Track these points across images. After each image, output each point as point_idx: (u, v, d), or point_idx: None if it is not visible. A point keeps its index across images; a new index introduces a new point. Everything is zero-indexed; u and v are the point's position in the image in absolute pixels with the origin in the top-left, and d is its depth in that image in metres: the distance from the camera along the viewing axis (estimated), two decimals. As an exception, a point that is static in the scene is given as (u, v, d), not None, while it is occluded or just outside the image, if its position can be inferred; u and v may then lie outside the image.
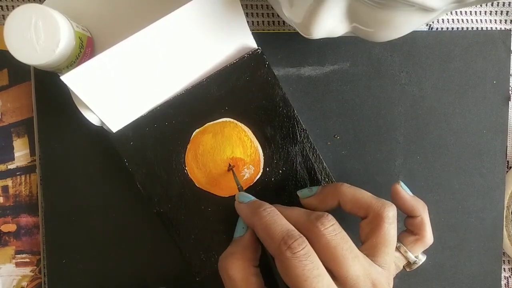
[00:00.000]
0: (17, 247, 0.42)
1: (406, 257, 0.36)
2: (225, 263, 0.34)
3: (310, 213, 0.33)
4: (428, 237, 0.37)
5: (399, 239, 0.37)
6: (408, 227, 0.38)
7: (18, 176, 0.42)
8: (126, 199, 0.41)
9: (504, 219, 0.43)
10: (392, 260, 0.34)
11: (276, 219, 0.32)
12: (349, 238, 0.32)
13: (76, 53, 0.35)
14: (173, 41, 0.38)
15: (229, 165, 0.39)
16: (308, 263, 0.30)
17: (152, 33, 0.37)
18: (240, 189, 0.39)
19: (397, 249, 0.36)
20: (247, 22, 0.38)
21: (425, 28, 0.43)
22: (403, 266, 0.37)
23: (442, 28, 0.44)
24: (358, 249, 0.32)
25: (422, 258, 0.37)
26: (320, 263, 0.30)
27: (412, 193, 0.38)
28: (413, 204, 0.37)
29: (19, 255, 0.42)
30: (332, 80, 0.42)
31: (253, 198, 0.36)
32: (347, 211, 0.36)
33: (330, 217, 0.32)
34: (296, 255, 0.30)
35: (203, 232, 0.40)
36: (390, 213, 0.34)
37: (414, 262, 0.37)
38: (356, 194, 0.35)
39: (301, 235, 0.31)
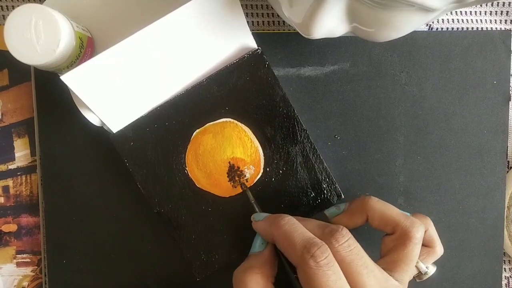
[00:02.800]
0: (18, 247, 0.42)
1: (417, 267, 0.36)
2: (243, 276, 0.33)
3: (325, 226, 0.33)
4: (439, 248, 0.37)
5: None
6: None
7: (19, 176, 0.42)
8: (127, 199, 0.41)
9: (505, 219, 0.43)
10: (408, 277, 0.34)
11: (296, 227, 0.32)
12: (364, 253, 0.32)
13: (76, 53, 0.35)
14: (173, 41, 0.38)
15: (242, 185, 0.40)
16: (331, 273, 0.29)
17: (152, 33, 0.37)
18: (254, 206, 0.39)
19: None
20: (247, 22, 0.38)
21: (425, 28, 0.43)
22: (414, 277, 0.36)
23: (442, 28, 0.44)
24: (376, 261, 0.32)
25: (433, 269, 0.37)
26: (342, 274, 0.30)
27: (412, 193, 0.38)
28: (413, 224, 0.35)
29: (20, 255, 0.42)
30: (332, 80, 0.42)
31: (267, 214, 0.36)
32: (374, 227, 0.36)
33: (345, 231, 0.32)
34: (319, 265, 0.29)
35: (204, 232, 0.40)
36: (419, 234, 0.34)
37: (425, 273, 0.36)
38: (385, 210, 0.35)
39: (323, 242, 0.30)
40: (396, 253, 0.33)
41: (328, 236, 0.31)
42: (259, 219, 0.36)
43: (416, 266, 0.36)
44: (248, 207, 0.39)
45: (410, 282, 0.34)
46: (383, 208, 0.35)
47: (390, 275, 0.32)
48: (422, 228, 0.34)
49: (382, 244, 0.35)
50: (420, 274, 0.36)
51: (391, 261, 0.33)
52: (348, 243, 0.31)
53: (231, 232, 0.40)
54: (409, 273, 0.33)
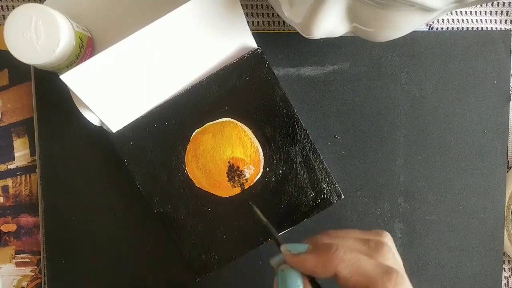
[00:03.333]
0: (17, 247, 0.42)
1: None
2: None
3: (377, 264, 0.29)
4: None
5: None
6: None
7: (18, 176, 0.42)
8: (126, 199, 0.41)
9: (505, 219, 0.43)
10: None
11: (360, 256, 0.29)
12: None
13: (76, 53, 0.35)
14: (173, 41, 0.38)
15: (263, 223, 0.35)
16: None
17: (152, 32, 0.37)
18: (276, 237, 0.33)
19: None
20: (247, 22, 0.38)
21: (425, 28, 0.43)
22: None
23: (442, 28, 0.44)
24: None
25: None
26: None
27: (412, 193, 0.38)
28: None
29: (19, 255, 0.42)
30: (332, 80, 0.42)
31: (306, 244, 0.31)
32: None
33: (400, 274, 0.28)
34: None
35: (203, 232, 0.40)
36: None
37: None
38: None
39: (396, 269, 0.28)
40: None
41: (384, 278, 0.28)
42: (299, 250, 0.30)
43: None
44: (248, 207, 0.39)
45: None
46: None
47: None
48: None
49: None
50: None
51: None
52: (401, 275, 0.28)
53: (230, 232, 0.40)
54: None
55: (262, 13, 0.42)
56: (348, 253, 0.29)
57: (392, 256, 0.30)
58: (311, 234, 0.33)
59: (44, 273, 0.41)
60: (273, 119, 0.40)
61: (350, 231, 0.32)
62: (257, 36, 0.39)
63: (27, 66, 0.39)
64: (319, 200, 0.40)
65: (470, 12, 0.43)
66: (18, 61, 0.33)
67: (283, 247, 0.31)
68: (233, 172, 0.39)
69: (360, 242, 0.30)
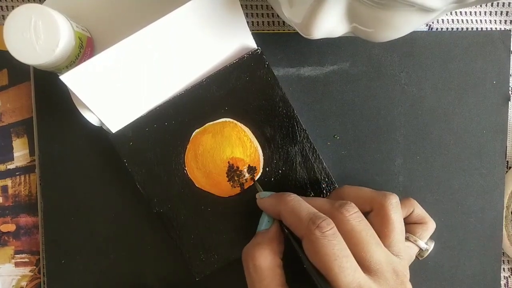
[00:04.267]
0: (17, 247, 0.42)
1: (417, 245, 0.37)
2: (252, 252, 0.34)
3: (333, 201, 0.34)
4: (431, 223, 0.38)
5: (406, 231, 0.37)
6: (409, 222, 0.39)
7: (18, 176, 0.42)
8: (126, 199, 0.41)
9: (504, 219, 0.43)
10: (405, 248, 0.35)
11: (301, 203, 0.34)
12: (371, 226, 0.33)
13: (75, 53, 0.35)
14: (173, 41, 0.38)
15: (253, 176, 0.40)
16: (336, 243, 0.30)
17: (152, 33, 0.37)
18: (258, 185, 0.40)
19: (407, 239, 0.37)
20: (247, 22, 0.38)
21: (425, 29, 0.43)
22: (416, 256, 0.38)
23: (442, 28, 0.44)
24: None
25: (431, 245, 0.38)
26: (346, 245, 0.31)
27: (411, 193, 0.38)
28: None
29: (18, 255, 0.42)
30: (332, 80, 0.42)
31: (273, 193, 0.37)
32: None
33: (353, 205, 0.33)
34: (325, 235, 0.30)
35: (203, 232, 0.40)
36: (393, 201, 0.35)
37: (426, 249, 0.37)
38: (358, 192, 0.37)
39: (326, 216, 0.32)
40: (383, 227, 0.34)
41: (339, 208, 0.33)
42: (265, 196, 0.37)
43: (415, 244, 0.37)
44: (247, 207, 0.39)
45: (412, 272, 0.34)
46: (355, 190, 0.37)
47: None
48: (394, 197, 0.35)
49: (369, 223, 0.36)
50: (421, 251, 0.37)
51: (382, 236, 0.34)
52: (358, 214, 0.33)
53: (230, 232, 0.40)
54: (403, 243, 0.34)
55: (262, 13, 0.42)
56: (295, 199, 0.34)
57: (350, 221, 0.32)
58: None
59: (43, 273, 0.41)
60: (272, 119, 0.40)
61: (357, 189, 0.37)
62: (256, 36, 0.39)
63: (26, 66, 0.39)
64: (318, 200, 0.40)
65: (470, 12, 0.43)
66: (18, 61, 0.33)
67: (257, 194, 0.38)
68: (233, 172, 0.40)
69: (327, 202, 0.34)
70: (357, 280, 0.30)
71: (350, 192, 0.37)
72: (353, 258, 0.31)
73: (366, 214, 0.35)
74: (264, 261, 0.33)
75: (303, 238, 0.32)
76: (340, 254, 0.30)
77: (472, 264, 0.43)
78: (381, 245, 0.32)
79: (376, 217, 0.35)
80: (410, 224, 0.39)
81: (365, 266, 0.31)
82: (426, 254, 0.38)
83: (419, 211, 0.38)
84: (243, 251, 0.35)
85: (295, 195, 0.35)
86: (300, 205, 0.33)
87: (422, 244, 0.37)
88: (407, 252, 0.35)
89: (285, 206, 0.34)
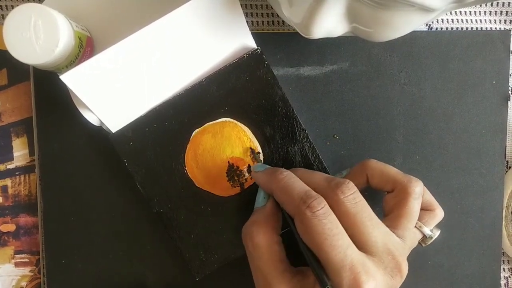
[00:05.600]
0: (16, 247, 0.42)
1: (421, 232, 0.37)
2: (250, 230, 0.34)
3: (331, 179, 0.33)
4: (439, 210, 0.38)
5: None
6: None
7: (17, 176, 0.42)
8: (126, 199, 0.41)
9: (503, 219, 0.43)
10: (411, 234, 0.35)
11: (294, 180, 0.33)
12: (369, 207, 0.32)
13: (75, 52, 0.35)
14: (173, 41, 0.38)
15: (250, 149, 0.39)
16: (327, 222, 0.30)
17: (152, 32, 0.37)
18: (256, 157, 0.39)
19: None
20: (247, 22, 0.38)
21: (425, 28, 0.43)
22: (419, 242, 0.37)
23: (441, 28, 0.44)
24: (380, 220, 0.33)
25: (437, 232, 0.37)
26: (339, 223, 0.31)
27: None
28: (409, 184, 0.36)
29: (18, 255, 0.42)
30: (331, 80, 0.42)
31: (268, 166, 0.37)
32: (373, 186, 0.37)
33: (351, 185, 0.32)
34: (315, 214, 0.30)
35: (203, 232, 0.40)
36: (417, 188, 0.35)
37: (430, 237, 0.37)
38: (383, 169, 0.36)
39: (319, 195, 0.31)
40: (398, 210, 0.34)
41: (334, 188, 0.32)
42: (259, 169, 0.37)
43: (420, 230, 0.37)
44: (247, 206, 0.39)
45: (413, 258, 0.34)
46: (381, 167, 0.37)
47: (393, 232, 0.33)
48: (420, 184, 0.35)
49: (384, 203, 0.36)
50: (424, 238, 0.37)
51: (393, 218, 0.34)
52: (354, 196, 0.32)
53: (230, 232, 0.40)
54: (411, 230, 0.34)
55: (262, 13, 0.42)
56: (287, 177, 0.33)
57: (345, 203, 0.32)
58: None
59: (43, 273, 0.41)
60: (272, 119, 0.40)
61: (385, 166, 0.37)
62: (256, 36, 0.39)
63: (26, 66, 0.39)
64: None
65: (470, 12, 0.43)
66: (17, 60, 0.33)
67: (252, 166, 0.38)
68: (233, 171, 0.40)
69: (325, 179, 0.33)
70: (349, 258, 0.30)
71: (375, 168, 0.37)
72: (347, 236, 0.31)
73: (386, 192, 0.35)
74: (262, 239, 0.34)
75: (294, 217, 0.32)
76: (331, 233, 0.30)
77: (472, 264, 0.43)
78: (378, 226, 0.32)
79: (394, 199, 0.35)
80: None
81: (360, 245, 0.31)
82: (429, 242, 0.37)
83: (428, 197, 0.38)
84: (242, 230, 0.35)
85: (288, 172, 0.34)
86: (293, 183, 0.33)
87: (427, 231, 0.37)
88: (411, 237, 0.35)
89: (277, 184, 0.34)
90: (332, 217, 0.31)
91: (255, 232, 0.34)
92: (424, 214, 0.37)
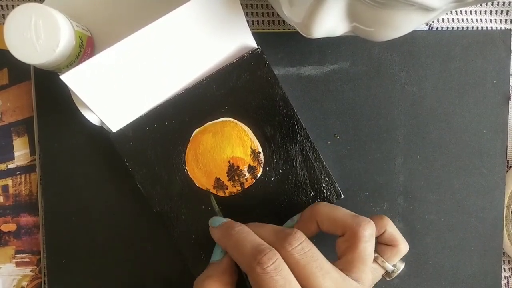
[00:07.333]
0: (17, 246, 0.42)
1: (383, 267, 0.36)
2: (201, 285, 0.33)
3: (279, 231, 0.33)
4: (403, 245, 0.37)
5: (375, 250, 0.36)
6: (380, 242, 0.37)
7: (18, 176, 0.42)
8: (126, 199, 0.41)
9: (504, 218, 0.43)
10: (368, 275, 0.33)
11: (246, 236, 0.32)
12: (320, 255, 0.32)
13: (76, 52, 0.35)
14: (173, 41, 0.38)
15: (211, 193, 0.39)
16: (279, 278, 0.29)
17: (152, 32, 0.37)
18: (217, 213, 0.39)
19: (375, 260, 0.36)
20: (247, 21, 0.38)
21: (425, 28, 0.43)
22: (382, 275, 0.37)
23: (442, 28, 0.44)
24: (334, 263, 0.32)
25: (401, 266, 0.37)
26: (293, 277, 0.30)
27: (412, 192, 0.38)
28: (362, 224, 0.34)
29: (19, 255, 0.42)
30: (332, 79, 0.42)
31: (224, 220, 0.36)
32: (325, 231, 0.36)
33: (298, 235, 0.31)
34: (266, 271, 0.29)
35: (203, 232, 0.40)
36: (367, 231, 0.33)
37: (393, 271, 0.36)
38: (331, 213, 0.35)
39: (272, 248, 0.31)
40: (350, 254, 0.33)
41: (282, 241, 0.31)
42: (215, 225, 0.36)
43: (382, 266, 0.36)
44: (248, 206, 0.39)
45: (405, 275, 0.34)
46: (329, 211, 0.35)
47: (348, 276, 0.32)
48: (370, 226, 0.34)
49: (336, 247, 0.35)
50: (388, 272, 0.36)
51: (346, 262, 0.33)
52: (302, 246, 0.31)
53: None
54: (367, 272, 0.33)
55: (262, 13, 0.42)
56: (239, 233, 0.33)
57: (294, 255, 0.31)
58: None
59: (44, 273, 0.41)
60: (273, 119, 0.40)
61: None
62: (257, 35, 0.39)
63: (27, 65, 0.39)
64: (318, 200, 0.40)
65: (470, 11, 0.43)
66: (18, 60, 0.33)
67: (209, 220, 0.36)
68: (233, 171, 0.40)
69: (273, 232, 0.33)
70: None
71: (323, 213, 0.35)
72: None
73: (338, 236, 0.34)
74: None
75: (247, 274, 0.31)
76: None
77: (473, 264, 0.43)
78: (330, 274, 0.31)
79: (346, 242, 0.34)
80: (380, 244, 0.37)
81: None
82: (394, 275, 0.36)
83: (391, 231, 0.37)
84: (194, 283, 0.34)
85: (242, 226, 0.33)
86: (244, 238, 0.32)
87: (389, 267, 0.36)
88: (369, 278, 0.34)
89: (229, 241, 0.33)
90: (285, 272, 0.30)
91: (206, 287, 0.33)
92: (386, 249, 0.36)
